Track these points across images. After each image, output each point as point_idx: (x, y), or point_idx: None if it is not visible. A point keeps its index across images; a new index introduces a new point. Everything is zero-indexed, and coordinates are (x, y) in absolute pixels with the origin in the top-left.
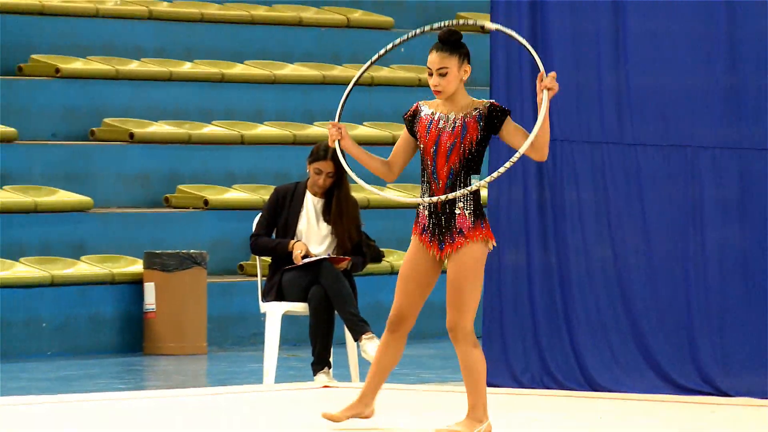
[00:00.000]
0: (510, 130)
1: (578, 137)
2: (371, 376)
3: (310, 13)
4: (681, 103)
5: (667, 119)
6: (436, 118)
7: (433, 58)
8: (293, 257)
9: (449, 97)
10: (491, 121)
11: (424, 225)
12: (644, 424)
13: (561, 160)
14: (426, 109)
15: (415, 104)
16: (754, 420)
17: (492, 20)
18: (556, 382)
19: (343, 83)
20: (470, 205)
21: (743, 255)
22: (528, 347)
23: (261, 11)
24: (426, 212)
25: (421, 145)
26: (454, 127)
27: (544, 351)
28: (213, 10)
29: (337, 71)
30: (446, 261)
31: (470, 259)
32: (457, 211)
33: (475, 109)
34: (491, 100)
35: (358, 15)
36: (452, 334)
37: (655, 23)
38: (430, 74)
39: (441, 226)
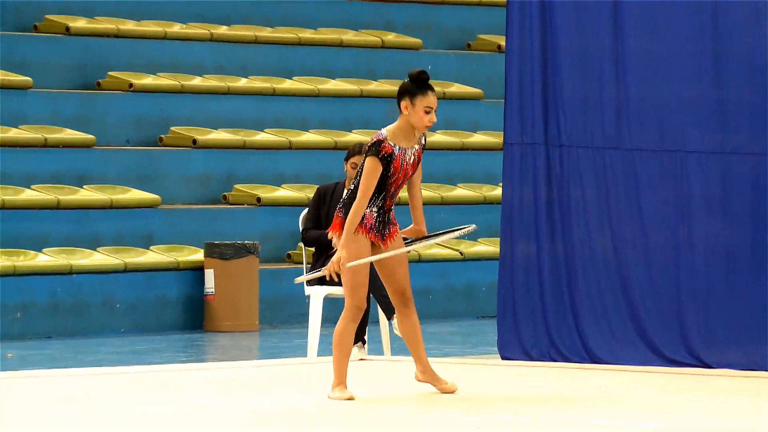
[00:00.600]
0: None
1: (582, 143)
2: (345, 361)
3: (349, 36)
4: (673, 113)
5: (661, 127)
6: (404, 155)
7: (435, 99)
8: (333, 243)
9: (412, 131)
10: (423, 148)
11: (371, 224)
12: (638, 392)
13: (567, 163)
14: (395, 146)
15: (385, 144)
16: (735, 389)
17: (507, 43)
18: (561, 356)
19: (377, 96)
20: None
21: (725, 245)
22: (537, 326)
23: (307, 34)
24: (374, 214)
25: (392, 179)
26: (413, 160)
27: (551, 329)
28: (265, 33)
29: (373, 86)
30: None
31: (401, 239)
32: (392, 208)
33: (419, 140)
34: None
35: (391, 37)
36: (408, 300)
37: (651, 43)
38: (428, 112)
39: (383, 222)
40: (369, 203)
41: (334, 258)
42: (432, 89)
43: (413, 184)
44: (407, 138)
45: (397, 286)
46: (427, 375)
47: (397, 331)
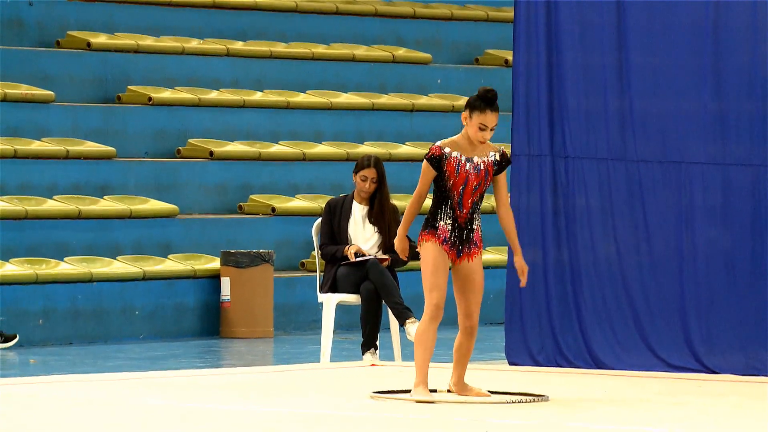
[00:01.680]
0: (502, 178)
1: (587, 154)
2: (427, 359)
3: (361, 51)
4: (675, 125)
5: (664, 139)
6: (463, 161)
7: (492, 118)
8: (346, 253)
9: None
10: (500, 166)
11: (445, 236)
12: (641, 396)
13: (572, 173)
14: (451, 151)
15: (435, 147)
16: (735, 393)
17: (514, 58)
18: (567, 361)
19: (388, 110)
20: (479, 223)
21: (726, 253)
22: (543, 331)
23: (320, 49)
24: (448, 228)
25: (450, 183)
26: (478, 170)
27: (557, 334)
28: (280, 48)
29: (384, 99)
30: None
31: (481, 266)
32: (474, 229)
33: (492, 153)
34: (501, 147)
35: (401, 52)
36: (472, 329)
37: (653, 57)
38: (483, 129)
39: (461, 239)
40: (440, 214)
41: (396, 243)
42: (493, 109)
43: (498, 205)
44: (467, 147)
45: (465, 308)
46: (459, 385)
47: (409, 337)
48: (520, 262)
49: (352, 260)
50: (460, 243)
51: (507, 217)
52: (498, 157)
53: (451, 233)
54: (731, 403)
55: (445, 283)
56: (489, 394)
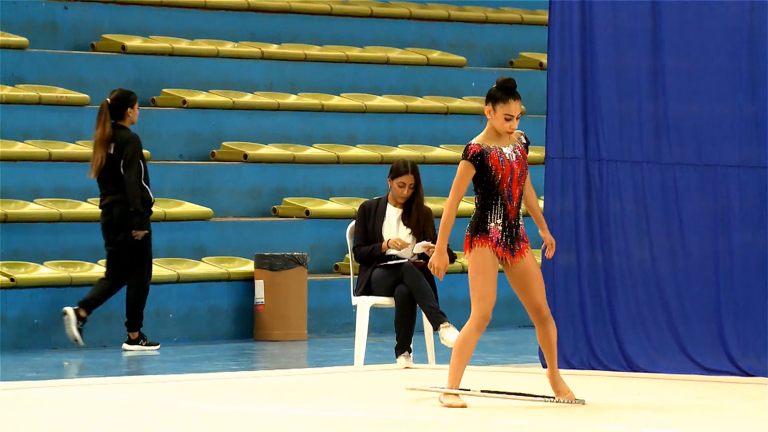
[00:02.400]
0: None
1: (621, 157)
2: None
3: (395, 54)
4: (710, 128)
5: (699, 142)
6: (502, 152)
7: (516, 107)
8: (392, 244)
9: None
10: (527, 148)
11: (497, 238)
12: (675, 400)
13: (607, 176)
14: (488, 146)
15: (473, 146)
16: None
17: (548, 61)
18: (601, 364)
19: (422, 113)
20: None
21: (762, 255)
22: (577, 334)
23: (355, 52)
24: (500, 228)
25: (498, 176)
26: (517, 158)
27: (591, 338)
28: (314, 51)
29: (418, 102)
30: (512, 263)
31: (534, 258)
32: (521, 223)
33: (518, 139)
34: (519, 130)
35: (436, 55)
36: (545, 319)
37: (688, 60)
38: (509, 119)
39: (512, 237)
40: (491, 214)
41: (433, 260)
42: (516, 97)
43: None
44: (498, 139)
45: (531, 302)
46: (552, 379)
47: (443, 342)
48: (547, 236)
49: (398, 247)
50: (512, 242)
51: (531, 194)
52: (524, 140)
53: (503, 233)
54: (766, 406)
55: (495, 292)
56: (575, 398)
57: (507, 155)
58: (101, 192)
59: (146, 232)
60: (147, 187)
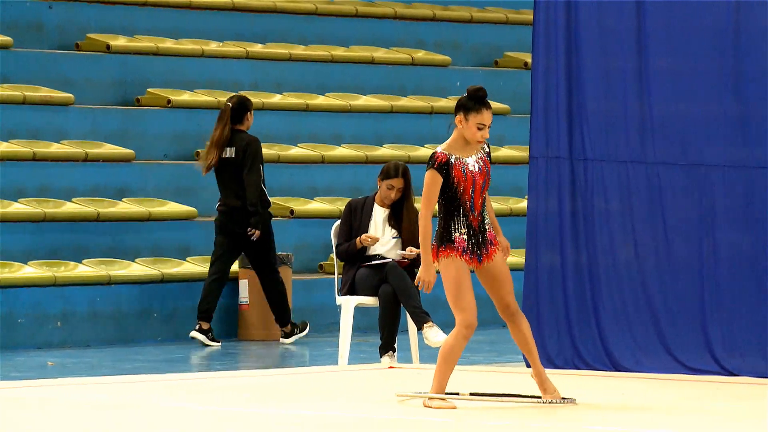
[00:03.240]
0: None
1: (607, 157)
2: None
3: (380, 53)
4: (696, 128)
5: (684, 142)
6: (465, 162)
7: (488, 116)
8: (361, 241)
9: (467, 143)
10: (489, 156)
11: (463, 247)
12: (659, 399)
13: (592, 176)
14: (452, 156)
15: (439, 154)
16: (754, 395)
17: (533, 61)
18: (585, 364)
19: (407, 112)
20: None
21: (747, 256)
22: (562, 334)
23: (340, 51)
24: (465, 236)
25: (461, 188)
26: (480, 168)
27: (575, 337)
28: (299, 50)
29: (403, 102)
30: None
31: (503, 259)
32: (486, 228)
33: (481, 148)
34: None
35: (421, 54)
36: (514, 315)
37: (674, 61)
38: (481, 128)
39: (478, 243)
40: (454, 224)
41: (421, 275)
42: (487, 106)
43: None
44: (464, 149)
45: (499, 301)
46: (538, 378)
47: (427, 341)
48: (502, 239)
49: (366, 243)
50: (478, 247)
51: (487, 201)
52: (487, 149)
53: (468, 241)
54: (751, 406)
55: (473, 299)
56: (561, 398)
57: (470, 166)
58: (221, 194)
59: (260, 232)
60: (264, 189)
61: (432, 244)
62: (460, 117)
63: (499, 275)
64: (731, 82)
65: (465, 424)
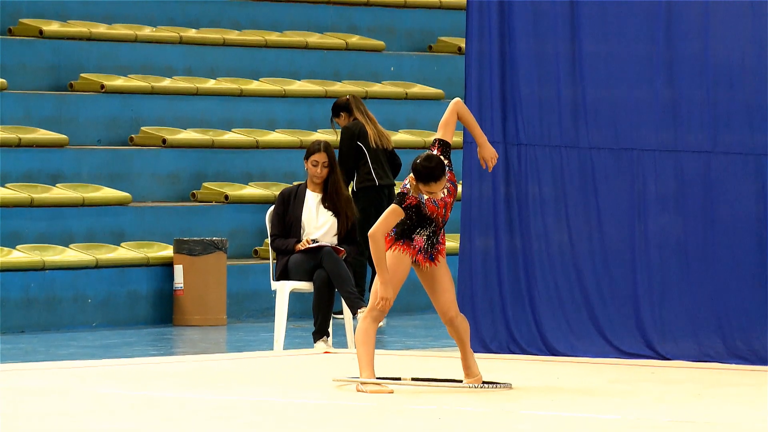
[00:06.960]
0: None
1: (540, 142)
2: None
3: (314, 38)
4: (628, 112)
5: (616, 126)
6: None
7: (439, 187)
8: (302, 246)
9: None
10: (451, 168)
11: (420, 247)
12: (594, 384)
13: (525, 160)
14: (422, 196)
15: (410, 198)
16: (687, 379)
17: (467, 46)
18: (520, 349)
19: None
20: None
21: (678, 240)
22: (496, 319)
23: (273, 36)
24: (424, 238)
25: (434, 215)
26: (447, 189)
27: (509, 322)
28: (233, 36)
29: (337, 87)
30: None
31: (446, 265)
32: (440, 231)
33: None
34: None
35: (355, 39)
36: (452, 319)
37: (606, 46)
38: (432, 193)
39: (433, 244)
40: (421, 230)
41: (379, 291)
42: (437, 180)
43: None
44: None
45: (439, 306)
46: (464, 362)
47: None
48: (486, 151)
49: (300, 248)
50: (431, 248)
51: (470, 119)
52: (447, 162)
53: (427, 242)
54: (685, 389)
55: (396, 293)
56: (481, 382)
57: (440, 194)
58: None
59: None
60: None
61: (390, 235)
62: (413, 179)
63: (441, 281)
64: (662, 67)
65: (400, 408)
